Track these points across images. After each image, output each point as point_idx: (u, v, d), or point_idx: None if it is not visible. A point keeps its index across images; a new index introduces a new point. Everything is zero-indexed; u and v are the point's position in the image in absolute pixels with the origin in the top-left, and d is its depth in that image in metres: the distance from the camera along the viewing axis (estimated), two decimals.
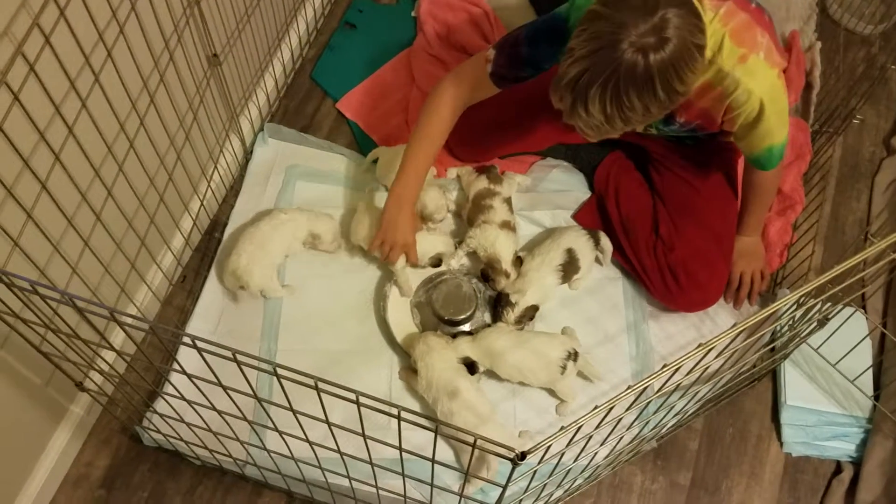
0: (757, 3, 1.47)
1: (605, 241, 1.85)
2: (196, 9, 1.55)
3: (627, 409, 0.99)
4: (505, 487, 0.97)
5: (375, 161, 1.98)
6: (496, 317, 1.78)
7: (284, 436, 1.14)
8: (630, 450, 1.57)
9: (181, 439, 1.46)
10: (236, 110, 1.91)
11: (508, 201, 1.88)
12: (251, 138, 2.04)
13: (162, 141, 1.58)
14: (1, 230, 1.19)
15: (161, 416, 1.36)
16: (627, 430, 1.17)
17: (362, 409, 0.91)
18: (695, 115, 1.56)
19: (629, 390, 0.90)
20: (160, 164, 1.59)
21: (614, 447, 1.46)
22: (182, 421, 1.29)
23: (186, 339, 0.89)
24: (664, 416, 1.36)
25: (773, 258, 1.89)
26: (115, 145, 1.43)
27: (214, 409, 1.13)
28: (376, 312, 1.83)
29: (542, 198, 1.98)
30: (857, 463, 1.73)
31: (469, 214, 1.87)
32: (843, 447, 1.75)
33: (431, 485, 1.12)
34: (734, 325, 0.94)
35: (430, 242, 1.80)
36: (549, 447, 0.86)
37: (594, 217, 1.93)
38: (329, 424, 1.01)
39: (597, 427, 0.99)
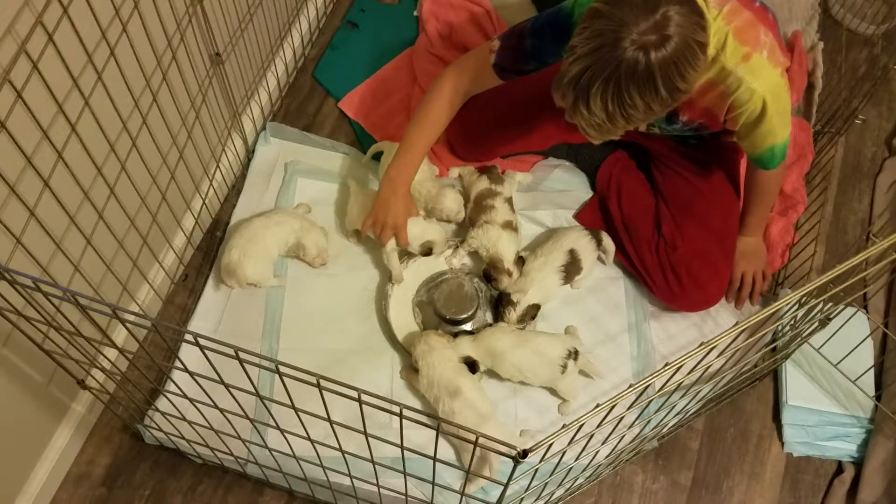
0: (761, 2, 1.47)
1: (608, 241, 1.85)
2: (199, 7, 1.55)
3: (629, 408, 0.99)
4: (506, 486, 0.97)
5: (375, 157, 1.98)
6: (498, 316, 1.78)
7: (286, 434, 1.14)
8: (631, 449, 1.57)
9: (182, 437, 1.46)
10: (238, 109, 1.91)
11: (510, 201, 1.88)
12: (253, 137, 2.05)
13: (164, 139, 1.58)
14: (3, 228, 1.19)
15: (163, 414, 1.37)
16: (629, 429, 1.17)
17: (364, 407, 0.91)
18: (697, 114, 1.56)
19: (630, 389, 0.90)
20: (162, 162, 1.59)
21: (615, 446, 1.46)
22: (184, 419, 1.29)
23: (188, 337, 0.89)
24: (665, 416, 1.36)
25: (774, 258, 1.89)
26: (118, 143, 1.43)
27: (216, 406, 1.13)
28: (378, 311, 1.83)
29: (544, 197, 1.98)
30: (859, 463, 1.73)
31: (470, 215, 1.87)
32: (845, 447, 1.75)
33: (433, 483, 1.12)
34: (735, 324, 0.94)
35: (422, 228, 1.79)
36: (550, 445, 0.86)
37: (596, 217, 1.94)
38: (331, 423, 1.01)
39: (598, 426, 0.99)
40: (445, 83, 1.69)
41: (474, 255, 1.87)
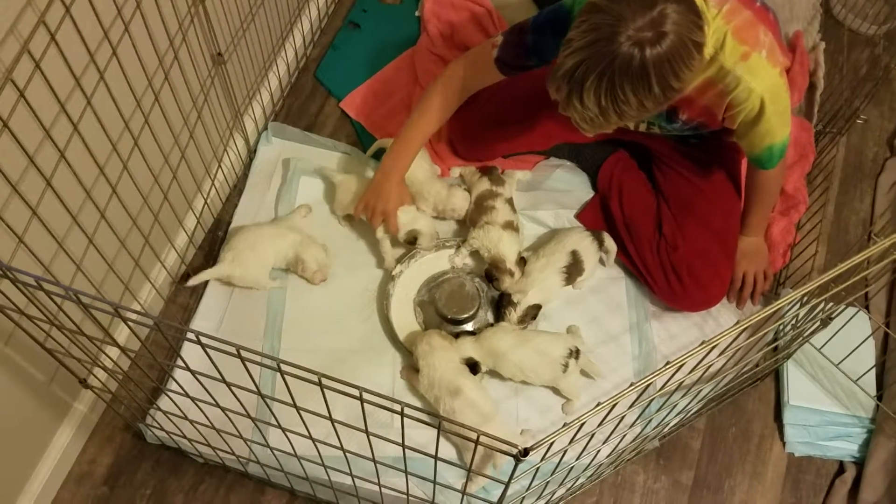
0: (762, 1, 1.47)
1: (609, 242, 1.85)
2: (201, 8, 1.55)
3: (630, 407, 0.99)
4: (508, 484, 0.97)
5: (376, 155, 1.99)
6: (499, 316, 1.78)
7: (287, 433, 1.14)
8: (633, 448, 1.57)
9: (184, 437, 1.46)
10: (240, 109, 1.92)
11: (510, 201, 1.88)
12: (255, 137, 2.05)
13: (166, 139, 1.58)
14: (6, 227, 1.20)
15: (164, 413, 1.37)
16: (630, 428, 1.17)
17: (365, 406, 0.91)
18: (697, 113, 1.56)
19: (632, 388, 0.90)
20: (164, 162, 1.60)
21: (617, 445, 1.46)
22: (185, 418, 1.29)
23: (191, 335, 0.90)
24: (667, 415, 1.36)
25: (776, 258, 1.89)
26: (120, 143, 1.43)
27: (218, 405, 1.13)
28: (379, 311, 1.83)
29: (546, 197, 1.99)
30: (860, 463, 1.73)
31: (471, 215, 1.87)
32: (846, 447, 1.75)
33: (434, 482, 1.12)
34: (737, 323, 0.94)
35: (411, 217, 1.80)
36: (551, 444, 0.87)
37: (597, 217, 1.94)
38: (332, 421, 1.01)
39: (599, 424, 0.99)
40: (447, 77, 1.71)
41: (475, 254, 1.87)
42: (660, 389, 1.05)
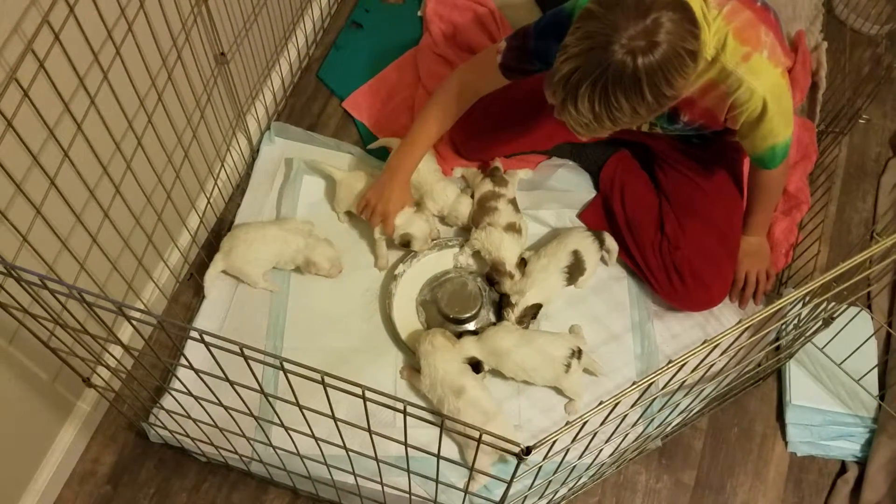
0: (763, 1, 1.47)
1: (611, 242, 1.85)
2: (204, 7, 1.55)
3: (632, 406, 0.99)
4: (510, 483, 0.97)
5: (378, 154, 2.00)
6: (500, 317, 1.78)
7: (290, 432, 1.15)
8: (635, 448, 1.57)
9: (187, 436, 1.46)
10: (243, 109, 1.92)
11: (514, 202, 1.88)
12: (258, 137, 2.05)
13: (169, 139, 1.58)
14: (10, 226, 1.20)
15: (168, 412, 1.37)
16: (632, 427, 1.18)
17: (368, 405, 0.91)
18: (698, 114, 1.56)
19: (634, 387, 0.90)
20: (167, 161, 1.60)
21: (619, 445, 1.46)
22: (188, 417, 1.30)
23: (194, 334, 0.90)
24: (669, 415, 1.36)
25: (778, 258, 1.89)
26: (123, 143, 1.43)
27: (221, 404, 1.13)
28: (381, 311, 1.83)
29: (548, 197, 1.99)
30: (862, 463, 1.73)
31: (474, 216, 1.87)
32: (848, 447, 1.75)
33: (437, 481, 1.12)
34: (739, 323, 0.95)
35: (407, 219, 1.80)
36: (553, 443, 0.87)
37: (599, 216, 1.94)
38: (335, 420, 1.01)
39: (601, 423, 0.99)
40: (453, 82, 1.73)
41: (478, 254, 1.87)
42: (662, 389, 1.05)
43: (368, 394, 0.89)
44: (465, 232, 1.91)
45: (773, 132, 1.51)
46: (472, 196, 1.90)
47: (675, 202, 1.82)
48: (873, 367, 1.76)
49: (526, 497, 1.21)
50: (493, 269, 1.80)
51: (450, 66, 2.16)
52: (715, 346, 0.93)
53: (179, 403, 1.27)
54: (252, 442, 1.34)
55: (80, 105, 1.28)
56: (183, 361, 1.49)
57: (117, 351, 1.58)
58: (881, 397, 1.76)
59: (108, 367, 1.24)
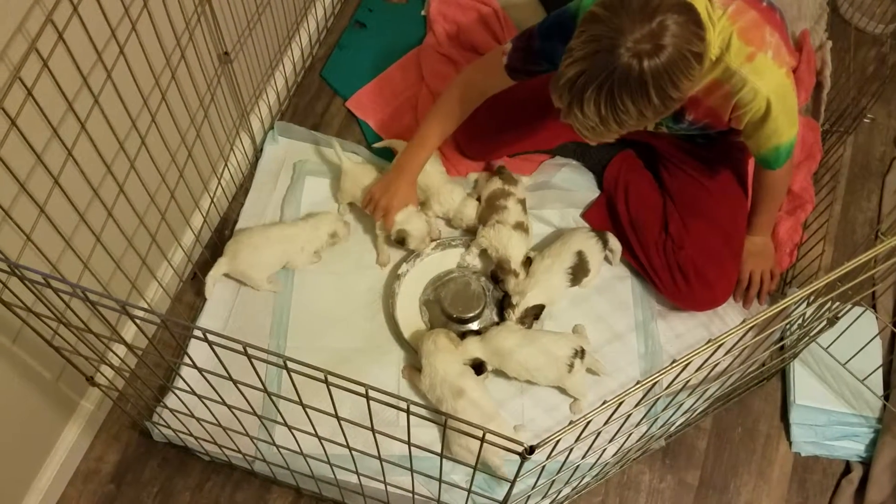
0: (768, 1, 1.47)
1: (614, 242, 1.85)
2: (207, 7, 1.56)
3: (636, 406, 0.99)
4: (513, 483, 0.97)
5: (380, 153, 2.00)
6: (502, 317, 1.78)
7: (293, 431, 1.15)
8: (638, 448, 1.57)
9: (191, 435, 1.47)
10: (247, 108, 1.92)
11: (523, 202, 1.87)
12: (261, 136, 2.05)
13: (173, 138, 1.58)
14: (14, 225, 1.20)
15: (171, 411, 1.37)
16: (636, 427, 1.18)
17: (371, 404, 0.91)
18: (703, 114, 1.56)
19: (638, 386, 0.90)
20: (171, 161, 1.60)
21: (622, 445, 1.46)
22: (192, 416, 1.30)
23: (197, 333, 0.90)
24: (673, 415, 1.36)
25: (782, 257, 1.89)
26: (127, 142, 1.44)
27: (224, 403, 1.13)
28: (385, 310, 1.83)
29: (552, 196, 1.98)
30: (867, 463, 1.73)
31: (482, 214, 1.86)
32: (853, 447, 1.75)
33: (440, 480, 1.12)
34: (743, 322, 0.94)
35: (405, 217, 1.79)
36: (557, 442, 0.87)
37: (603, 216, 1.93)
38: (338, 419, 1.01)
39: (605, 423, 0.99)
40: (460, 83, 1.74)
41: (483, 253, 1.87)
42: (666, 388, 1.05)
43: (372, 393, 0.89)
44: (469, 233, 1.91)
45: (778, 132, 1.51)
46: (479, 198, 1.90)
47: (680, 202, 1.82)
48: (878, 367, 1.76)
49: (529, 496, 1.21)
50: (499, 267, 1.80)
51: (453, 66, 2.16)
52: (719, 346, 0.93)
53: (183, 402, 1.27)
54: (255, 441, 1.34)
55: (83, 104, 1.28)
56: (186, 360, 1.49)
57: (121, 350, 1.58)
58: (886, 397, 1.76)
59: (111, 366, 1.24)
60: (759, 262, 1.82)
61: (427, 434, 1.67)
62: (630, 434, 1.23)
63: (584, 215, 1.96)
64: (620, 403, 0.89)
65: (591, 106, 1.27)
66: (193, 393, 1.15)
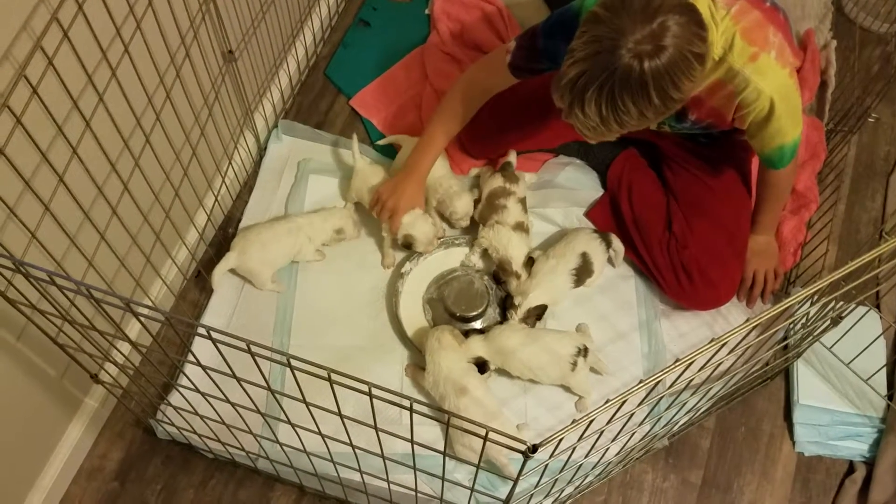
0: (772, 1, 1.47)
1: (617, 243, 1.85)
2: (212, 5, 1.56)
3: (639, 405, 0.99)
4: (516, 481, 0.97)
5: (383, 151, 2.00)
6: (504, 317, 1.78)
7: (297, 429, 1.15)
8: (641, 447, 1.57)
9: (195, 432, 1.47)
10: (251, 107, 1.92)
11: (523, 201, 1.87)
12: (265, 135, 2.06)
13: (177, 136, 1.59)
14: (19, 222, 1.20)
15: (175, 408, 1.37)
16: (639, 426, 1.18)
17: (374, 402, 0.91)
18: (706, 113, 1.56)
19: (641, 385, 0.90)
20: (175, 159, 1.60)
21: (625, 444, 1.46)
22: (196, 413, 1.30)
23: (201, 331, 0.90)
24: (676, 414, 1.36)
25: (786, 257, 1.89)
26: (132, 140, 1.44)
27: (228, 401, 1.13)
28: (388, 308, 1.83)
29: (555, 195, 1.98)
30: (870, 463, 1.72)
31: (481, 212, 1.86)
32: (856, 447, 1.74)
33: (443, 479, 1.12)
34: (747, 321, 0.94)
35: (411, 220, 1.79)
36: (560, 441, 0.87)
37: (607, 215, 1.93)
38: (341, 417, 1.01)
39: (608, 422, 0.99)
40: (464, 82, 1.74)
41: (485, 253, 1.87)
42: (669, 387, 1.05)
43: (375, 391, 0.89)
44: (473, 230, 1.90)
45: (781, 132, 1.51)
46: (480, 195, 1.90)
47: (683, 201, 1.82)
48: (882, 367, 1.75)
49: (532, 495, 1.21)
50: (500, 268, 1.80)
51: (457, 65, 2.16)
52: (722, 345, 0.93)
53: (187, 400, 1.28)
54: (259, 439, 1.34)
55: (88, 102, 1.28)
56: (190, 358, 1.50)
57: (125, 347, 1.59)
58: (890, 397, 1.76)
59: (115, 363, 1.25)
60: (762, 261, 1.82)
61: (430, 432, 1.67)
62: (633, 433, 1.23)
63: (588, 214, 1.95)
64: (623, 402, 0.89)
65: (592, 106, 1.27)
66: (197, 390, 1.15)
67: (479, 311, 1.81)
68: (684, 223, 1.79)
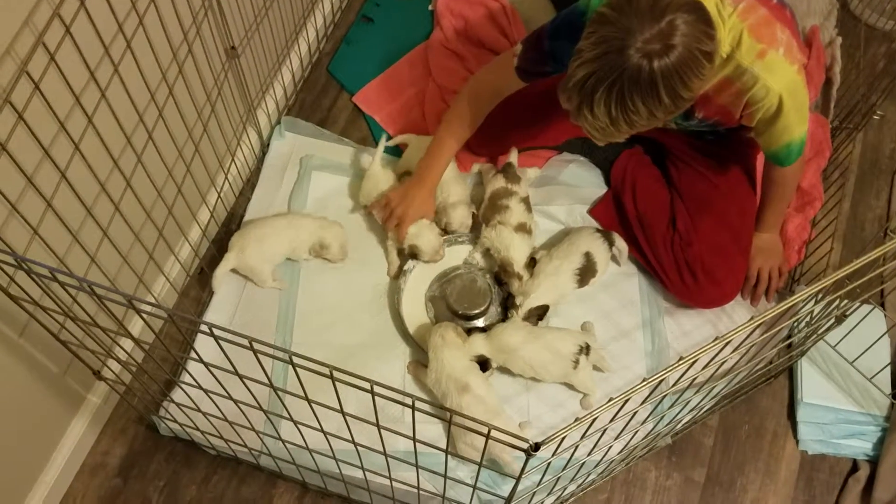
0: None
1: (620, 241, 1.84)
2: (214, 1, 1.55)
3: (642, 403, 0.99)
4: (518, 480, 0.97)
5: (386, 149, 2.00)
6: (506, 317, 1.78)
7: (299, 426, 1.15)
8: (644, 445, 1.56)
9: (197, 429, 1.47)
10: (253, 103, 1.92)
11: (526, 201, 1.86)
12: (268, 131, 2.05)
13: (180, 133, 1.59)
14: (21, 219, 1.20)
15: (177, 405, 1.37)
16: (642, 424, 1.17)
17: (376, 400, 0.91)
18: (713, 111, 1.55)
19: (644, 383, 0.89)
20: (178, 156, 1.60)
21: (628, 442, 1.46)
22: (198, 410, 1.30)
23: (204, 328, 0.90)
24: (679, 412, 1.35)
25: (791, 255, 1.88)
26: (134, 136, 1.44)
27: (230, 398, 1.13)
28: (390, 306, 1.83)
29: (559, 192, 1.98)
30: (874, 461, 1.72)
31: (484, 213, 1.86)
32: (860, 445, 1.74)
33: (445, 476, 1.12)
34: (751, 320, 0.94)
35: (417, 230, 1.79)
36: (563, 439, 0.86)
37: (610, 212, 1.93)
38: (343, 414, 1.01)
39: (611, 420, 0.99)
40: (473, 85, 1.74)
41: (487, 252, 1.87)
42: (672, 386, 1.05)
43: (377, 388, 0.89)
44: (477, 229, 1.90)
45: (789, 129, 1.50)
46: (485, 191, 1.89)
47: (688, 198, 1.81)
48: (886, 366, 1.75)
49: (534, 493, 1.21)
50: (502, 269, 1.79)
51: (461, 61, 2.16)
52: (726, 343, 0.93)
53: (189, 397, 1.28)
54: (261, 435, 1.34)
55: (90, 98, 1.28)
56: (193, 355, 1.50)
57: (128, 344, 1.59)
58: (894, 396, 1.75)
59: (118, 360, 1.25)
60: (767, 259, 1.82)
61: (432, 430, 1.67)
62: (636, 431, 1.23)
63: (592, 212, 1.95)
64: (626, 401, 0.88)
65: (601, 107, 1.26)
66: (200, 387, 1.15)
67: (482, 309, 1.81)
68: (689, 221, 1.78)
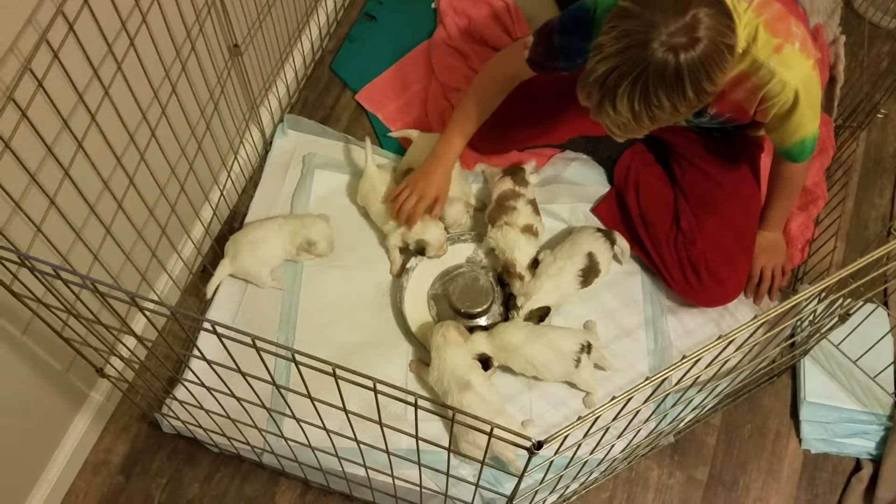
0: None
1: (621, 240, 1.84)
2: None
3: (645, 402, 0.99)
4: (520, 478, 0.97)
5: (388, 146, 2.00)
6: (507, 317, 1.78)
7: (302, 424, 1.15)
8: (647, 444, 1.56)
9: (200, 426, 1.47)
10: (256, 101, 1.92)
11: (534, 203, 1.86)
12: (271, 129, 2.05)
13: (183, 131, 1.59)
14: (24, 216, 1.20)
15: (180, 402, 1.38)
16: (645, 423, 1.17)
17: (379, 397, 0.91)
18: (728, 108, 1.54)
19: (647, 382, 0.89)
20: (181, 153, 1.60)
21: (631, 441, 1.45)
22: (201, 408, 1.30)
23: (207, 325, 0.90)
24: (682, 411, 1.35)
25: (794, 253, 1.88)
26: (137, 134, 1.44)
27: (233, 395, 1.13)
28: (392, 304, 1.83)
29: (561, 191, 1.98)
30: (877, 461, 1.72)
31: (491, 214, 1.85)
32: (863, 444, 1.74)
33: (447, 474, 1.12)
34: (755, 318, 0.94)
35: (423, 227, 1.79)
36: (565, 438, 0.86)
37: (613, 211, 1.92)
38: (346, 412, 1.01)
39: (614, 419, 0.99)
40: (490, 71, 1.73)
41: (491, 251, 1.86)
42: (675, 384, 1.05)
43: (379, 386, 0.89)
44: (480, 226, 1.90)
45: (803, 124, 1.50)
46: (491, 193, 1.89)
47: (692, 197, 1.81)
48: (889, 365, 1.75)
49: (537, 492, 1.21)
50: (504, 270, 1.79)
51: (464, 60, 2.16)
52: (729, 342, 0.93)
53: (192, 394, 1.28)
54: (264, 433, 1.34)
55: (93, 96, 1.28)
56: (196, 352, 1.50)
57: (131, 342, 1.59)
58: None
59: (121, 357, 1.25)
60: (770, 257, 1.81)
61: (434, 428, 1.67)
62: (639, 430, 1.23)
63: (594, 210, 1.95)
64: (629, 399, 0.88)
65: (624, 102, 1.25)
66: (202, 385, 1.15)
67: (484, 307, 1.80)
68: (692, 219, 1.78)
